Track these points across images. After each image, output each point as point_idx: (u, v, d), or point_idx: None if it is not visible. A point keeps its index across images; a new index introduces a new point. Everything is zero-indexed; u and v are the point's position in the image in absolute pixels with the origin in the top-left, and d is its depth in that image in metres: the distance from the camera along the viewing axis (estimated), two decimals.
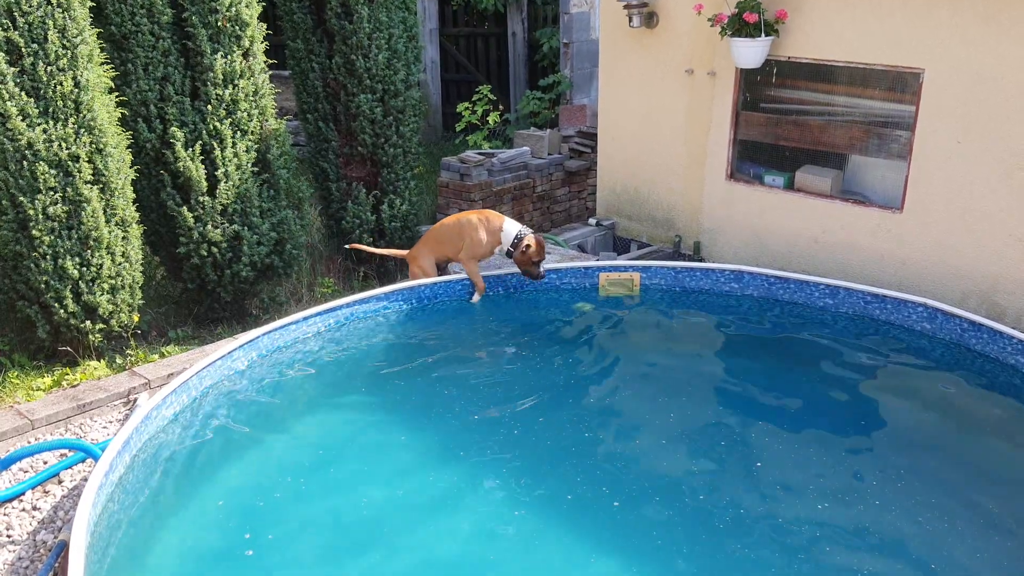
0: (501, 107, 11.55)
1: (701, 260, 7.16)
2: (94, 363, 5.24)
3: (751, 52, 6.15)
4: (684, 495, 3.86)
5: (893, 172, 6.08)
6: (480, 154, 8.62)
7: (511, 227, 5.77)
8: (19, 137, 4.75)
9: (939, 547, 3.53)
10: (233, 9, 5.55)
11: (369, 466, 4.13)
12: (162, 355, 5.47)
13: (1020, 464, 4.13)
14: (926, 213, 5.92)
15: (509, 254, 5.80)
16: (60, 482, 4.26)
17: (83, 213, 5.00)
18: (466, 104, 10.33)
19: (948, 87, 5.64)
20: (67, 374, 5.08)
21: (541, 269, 5.81)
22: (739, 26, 6.07)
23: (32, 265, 4.98)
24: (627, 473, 4.01)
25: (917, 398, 4.70)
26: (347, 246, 6.44)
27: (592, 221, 7.97)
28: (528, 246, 5.71)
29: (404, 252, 6.20)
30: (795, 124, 6.53)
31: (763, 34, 6.08)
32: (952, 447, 4.25)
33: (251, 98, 5.82)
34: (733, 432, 4.33)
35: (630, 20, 6.93)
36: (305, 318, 5.29)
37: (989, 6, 5.35)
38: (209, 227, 5.71)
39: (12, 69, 4.70)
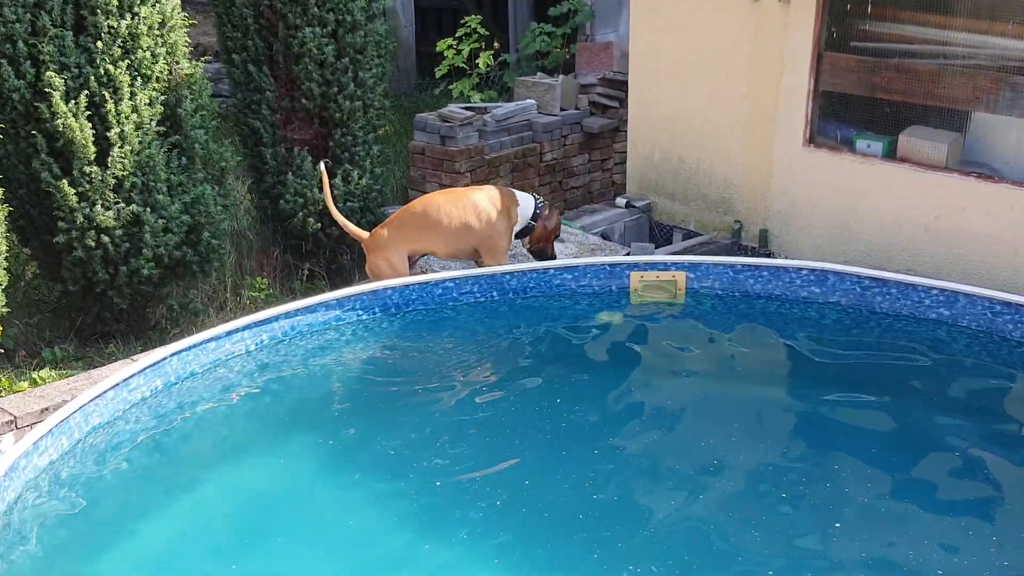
0: (497, 45, 11.54)
1: (769, 254, 7.15)
2: None
3: None
4: None
5: None
6: (468, 109, 8.59)
7: (526, 200, 6.21)
8: None
9: None
10: None
11: (312, 540, 4.08)
12: (34, 382, 5.41)
13: None
14: None
15: (523, 233, 6.20)
16: None
17: None
18: (449, 41, 10.30)
19: None
20: None
21: (556, 248, 6.28)
22: None
23: None
24: (664, 555, 3.96)
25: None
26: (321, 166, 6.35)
27: (620, 201, 7.94)
28: (548, 212, 6.19)
29: (363, 235, 6.13)
30: (898, 70, 6.49)
31: None
32: None
33: (156, 32, 5.77)
34: (819, 503, 4.28)
35: None
36: (229, 333, 5.27)
37: None
38: (98, 208, 5.66)
39: None
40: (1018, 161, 6.18)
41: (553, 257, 6.28)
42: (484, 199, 6.12)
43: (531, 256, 6.37)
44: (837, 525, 4.13)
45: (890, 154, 6.60)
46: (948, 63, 6.34)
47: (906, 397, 5.09)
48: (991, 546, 3.99)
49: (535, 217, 6.19)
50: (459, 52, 10.22)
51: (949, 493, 4.36)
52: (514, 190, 6.28)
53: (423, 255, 6.20)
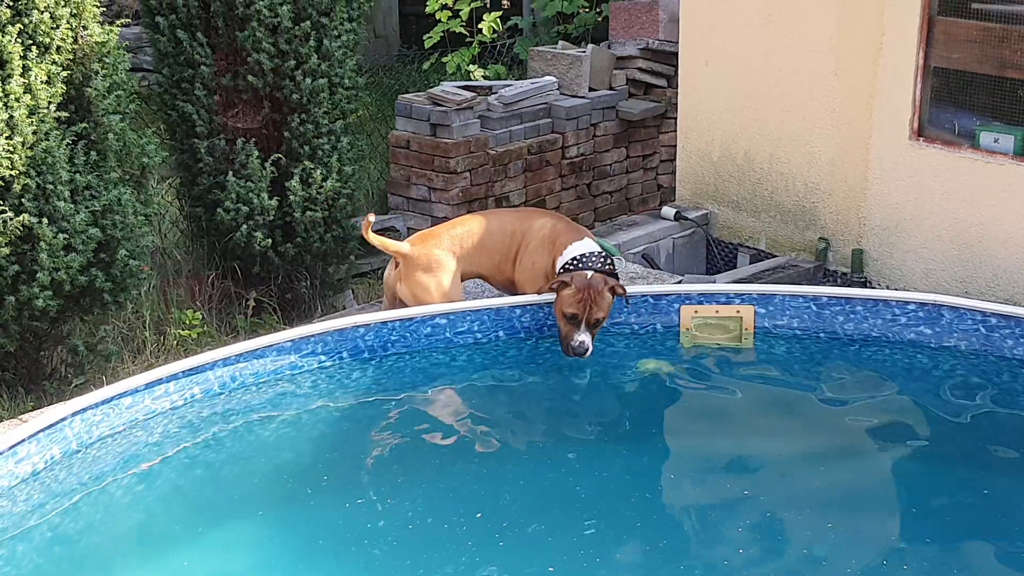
0: (507, 4, 11.58)
1: (865, 283, 7.17)
2: None
3: None
4: None
5: None
6: (467, 88, 8.62)
7: (577, 248, 5.83)
8: None
9: None
10: None
11: None
12: None
13: None
14: None
15: None
16: None
17: None
18: (442, 0, 10.33)
19: None
20: None
21: (578, 339, 5.57)
22: None
23: None
24: None
25: None
26: None
27: (668, 211, 7.95)
28: (563, 285, 5.63)
29: (403, 248, 5.99)
30: None
31: None
32: None
33: None
34: None
35: None
36: (149, 385, 5.24)
37: None
38: None
39: None
40: None
41: (574, 352, 5.60)
42: (540, 225, 6.02)
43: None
44: None
45: None
46: None
47: None
48: None
49: (564, 269, 5.77)
50: (456, 14, 10.26)
51: None
52: (581, 237, 5.91)
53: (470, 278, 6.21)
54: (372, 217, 5.94)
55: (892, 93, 6.90)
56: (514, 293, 6.13)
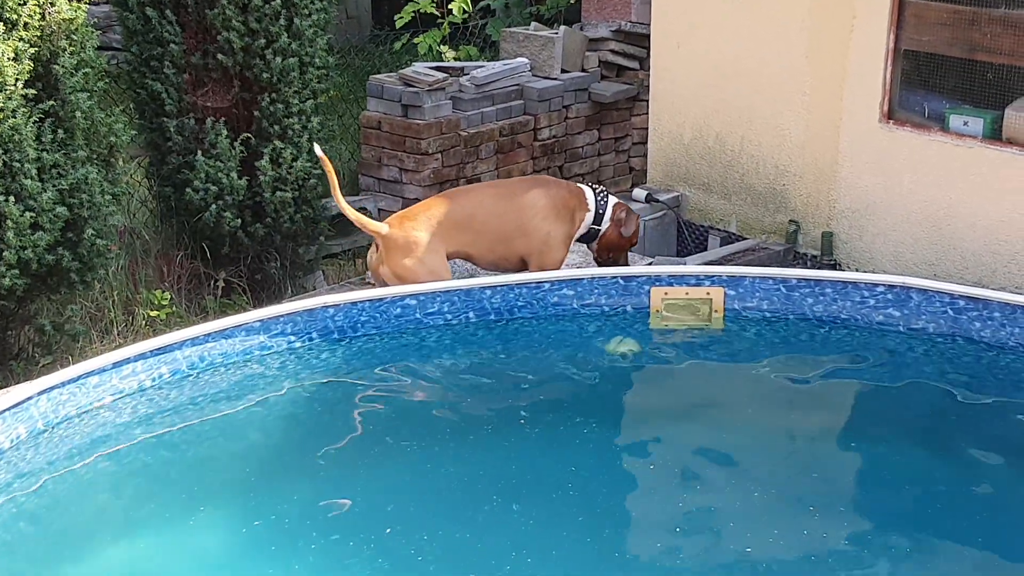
0: None
1: (835, 265, 7.19)
2: None
3: None
4: None
5: None
6: (439, 69, 8.60)
7: (591, 198, 6.44)
8: None
9: None
10: None
11: None
12: None
13: None
14: None
15: (586, 239, 6.48)
16: None
17: None
18: None
19: None
20: None
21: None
22: None
23: None
24: None
25: None
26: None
27: (640, 193, 7.96)
28: (625, 215, 6.43)
29: (382, 228, 6.09)
30: (1007, 23, 6.53)
31: None
32: None
33: None
34: None
35: None
36: (117, 365, 5.22)
37: None
38: None
39: None
40: None
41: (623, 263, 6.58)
42: (544, 198, 6.29)
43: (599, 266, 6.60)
44: None
45: (994, 134, 6.63)
46: None
47: (1006, 453, 5.11)
48: None
49: (598, 219, 6.38)
50: None
51: None
52: (581, 186, 6.49)
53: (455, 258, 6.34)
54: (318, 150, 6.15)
55: (862, 76, 6.91)
56: (513, 270, 6.29)
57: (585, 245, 6.62)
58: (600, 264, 6.58)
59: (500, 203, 6.33)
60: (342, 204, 6.10)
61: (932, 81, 6.83)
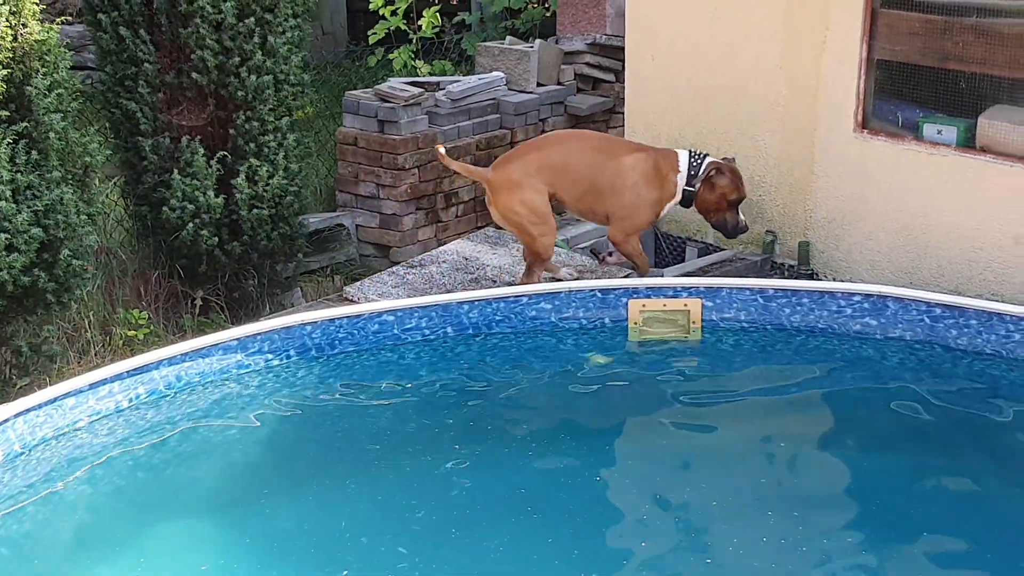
0: (454, 0, 11.56)
1: (812, 275, 7.18)
2: None
3: None
4: None
5: None
6: (415, 84, 8.60)
7: (684, 162, 6.57)
8: None
9: None
10: None
11: None
12: None
13: None
14: None
15: (686, 203, 6.61)
16: None
17: None
18: None
19: None
20: None
21: (742, 220, 6.63)
22: None
23: None
24: None
25: None
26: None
27: None
28: (719, 172, 6.50)
29: (485, 173, 6.64)
30: (978, 32, 6.53)
31: None
32: None
33: None
34: None
35: None
36: (94, 386, 5.21)
37: None
38: None
39: None
40: None
41: (739, 229, 6.70)
42: (641, 163, 6.52)
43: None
44: None
45: (967, 142, 6.62)
46: None
47: (1004, 467, 5.14)
48: None
49: (690, 181, 6.49)
50: (396, 10, 10.23)
51: None
52: (677, 150, 6.65)
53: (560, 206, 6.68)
54: (442, 148, 6.60)
55: (836, 86, 6.92)
56: (599, 223, 6.74)
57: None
58: (715, 228, 6.81)
59: (597, 158, 6.57)
60: (450, 163, 6.56)
61: (905, 90, 6.84)
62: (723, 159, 6.61)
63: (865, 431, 5.45)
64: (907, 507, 4.85)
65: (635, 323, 6.01)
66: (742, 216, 6.67)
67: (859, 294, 5.93)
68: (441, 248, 7.17)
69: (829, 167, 7.05)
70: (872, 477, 5.11)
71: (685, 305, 6.01)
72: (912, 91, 6.83)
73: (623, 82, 8.56)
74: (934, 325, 5.82)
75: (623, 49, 8.19)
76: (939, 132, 6.68)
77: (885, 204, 6.84)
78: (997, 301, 5.88)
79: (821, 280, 6.95)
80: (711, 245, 7.60)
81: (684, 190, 6.51)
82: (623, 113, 8.39)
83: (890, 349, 5.84)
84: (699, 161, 6.51)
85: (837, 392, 5.69)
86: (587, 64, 9.36)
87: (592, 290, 6.06)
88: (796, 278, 7.00)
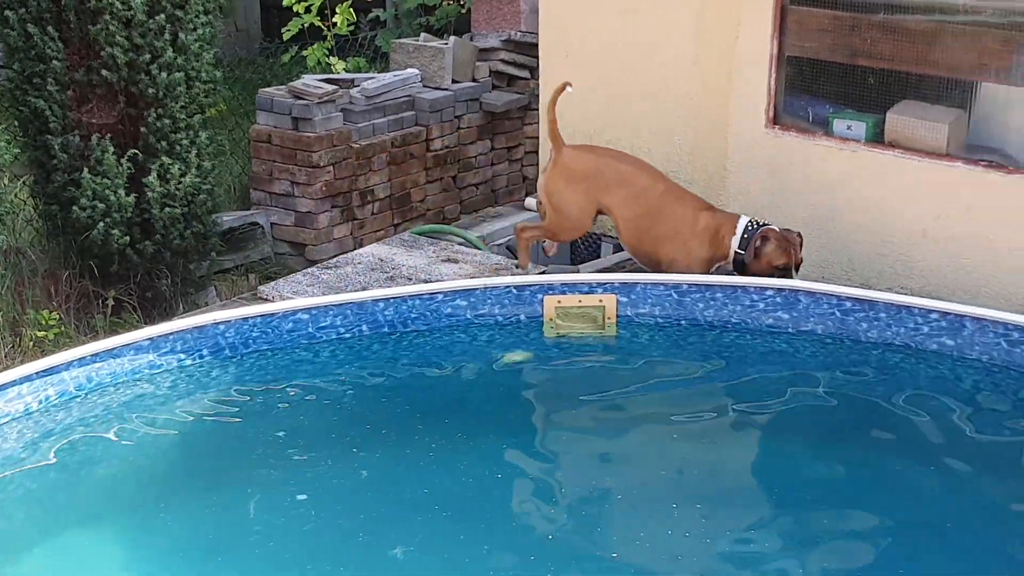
0: None
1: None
2: None
3: None
4: None
5: None
6: (329, 82, 8.57)
7: (741, 227, 6.38)
8: None
9: None
10: None
11: None
12: None
13: None
14: None
15: (738, 265, 6.39)
16: None
17: None
18: None
19: None
20: None
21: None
22: None
23: None
24: None
25: None
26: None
27: (531, 202, 7.96)
28: (764, 240, 6.24)
29: (560, 142, 6.62)
30: (883, 29, 6.62)
31: None
32: None
33: None
34: None
35: None
36: (1, 387, 5.11)
37: None
38: None
39: None
40: None
41: None
42: (705, 219, 6.46)
43: None
44: None
45: (876, 137, 6.72)
46: (947, 19, 6.47)
47: (911, 456, 5.19)
48: None
49: (743, 245, 6.32)
50: (310, 8, 10.19)
51: None
52: (740, 215, 6.48)
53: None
54: (569, 88, 6.66)
55: (748, 82, 6.98)
56: (649, 266, 6.54)
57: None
58: None
59: (668, 198, 6.52)
60: (553, 109, 6.65)
61: (816, 87, 6.92)
62: (783, 230, 6.38)
63: (776, 423, 5.49)
64: (816, 496, 4.92)
65: (550, 319, 6.02)
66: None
67: (771, 288, 5.99)
68: (356, 251, 7.15)
69: (742, 162, 7.11)
70: (783, 470, 5.15)
71: (600, 301, 6.03)
72: (822, 87, 6.92)
73: (538, 79, 8.57)
74: (844, 319, 5.89)
75: (537, 46, 8.21)
76: (849, 127, 6.77)
77: (796, 199, 6.90)
78: (906, 294, 5.94)
79: (734, 275, 7.00)
80: None
81: (736, 252, 6.36)
82: (538, 110, 8.40)
83: (802, 342, 5.91)
84: (755, 228, 6.36)
85: (750, 385, 5.71)
86: (502, 61, 9.37)
87: (508, 287, 6.07)
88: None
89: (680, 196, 6.61)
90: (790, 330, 5.95)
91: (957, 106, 6.55)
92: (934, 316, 5.75)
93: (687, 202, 6.58)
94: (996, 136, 6.50)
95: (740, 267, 6.36)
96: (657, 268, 6.49)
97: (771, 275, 6.15)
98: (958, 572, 4.47)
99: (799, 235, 6.35)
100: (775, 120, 6.97)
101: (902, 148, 6.62)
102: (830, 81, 6.86)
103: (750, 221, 6.36)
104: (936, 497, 4.95)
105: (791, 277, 6.17)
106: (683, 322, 6.04)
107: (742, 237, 6.30)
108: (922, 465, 5.13)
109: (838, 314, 5.90)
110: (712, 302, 6.04)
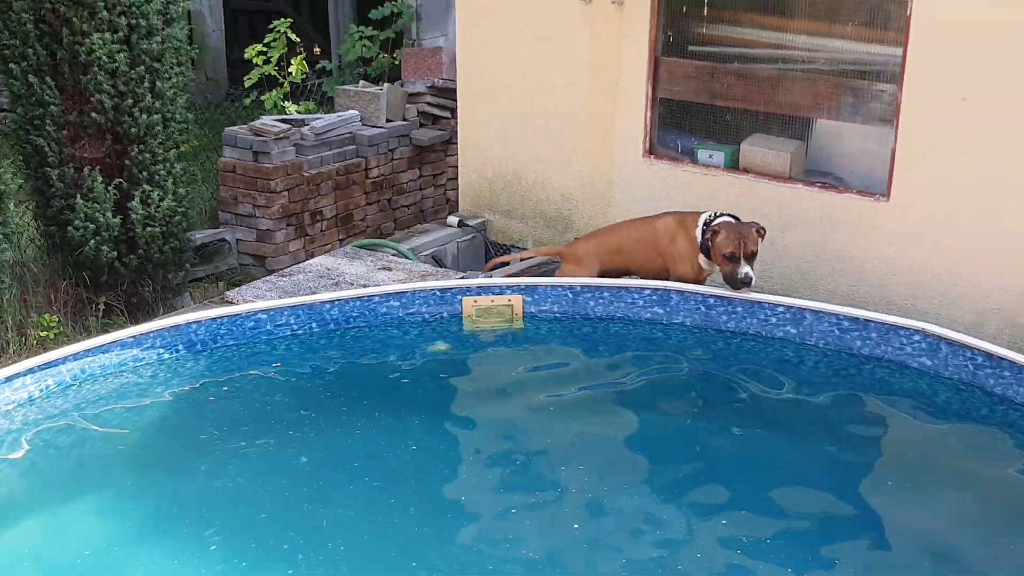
0: (318, 50, 11.44)
1: None
2: None
3: None
4: None
5: (876, 144, 6.30)
6: (283, 121, 8.49)
7: (703, 216, 6.06)
8: None
9: None
10: None
11: None
12: None
13: None
14: (924, 202, 6.13)
15: (705, 252, 6.04)
16: None
17: None
18: (258, 47, 10.15)
19: (946, 17, 5.86)
20: None
21: (741, 271, 5.76)
22: None
23: None
24: None
25: (923, 478, 4.84)
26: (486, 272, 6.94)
27: (453, 220, 7.93)
28: (715, 232, 5.86)
29: (558, 249, 6.76)
30: (738, 76, 6.69)
31: None
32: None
33: None
34: (663, 540, 4.38)
35: None
36: (8, 378, 5.04)
37: None
38: None
39: None
40: (861, 169, 6.44)
41: (738, 281, 5.79)
42: (667, 226, 6.23)
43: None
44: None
45: (733, 164, 6.80)
46: (788, 68, 6.57)
47: (758, 421, 5.25)
48: None
49: (702, 235, 5.99)
50: (269, 60, 10.10)
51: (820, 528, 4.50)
52: (702, 212, 6.10)
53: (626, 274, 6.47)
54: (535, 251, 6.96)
55: (628, 120, 7.02)
56: (664, 277, 6.22)
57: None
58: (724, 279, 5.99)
59: (637, 233, 6.34)
60: (532, 253, 6.90)
61: (683, 123, 6.99)
62: (747, 223, 5.91)
63: (650, 396, 5.52)
64: (680, 455, 5.00)
65: (468, 316, 6.01)
66: (745, 270, 5.76)
67: (648, 288, 6.01)
68: (307, 262, 7.07)
69: (624, 186, 7.15)
70: (655, 433, 5.23)
71: (509, 300, 6.03)
72: (688, 123, 6.99)
73: (457, 118, 8.57)
74: (708, 312, 5.93)
75: (456, 91, 8.20)
76: (710, 156, 6.84)
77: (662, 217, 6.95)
78: (759, 292, 5.98)
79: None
80: None
81: (700, 242, 6.00)
82: (457, 143, 8.39)
83: (674, 332, 5.94)
84: (712, 219, 5.97)
85: (630, 366, 5.74)
86: (427, 103, 9.34)
87: (432, 289, 6.05)
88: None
89: (644, 225, 6.39)
90: (664, 322, 5.97)
91: (798, 138, 6.65)
92: (780, 309, 5.81)
93: (647, 219, 6.39)
94: (829, 162, 6.60)
95: (707, 253, 6.00)
96: (680, 280, 6.17)
97: (725, 262, 5.79)
98: (796, 505, 4.58)
99: (759, 229, 5.88)
100: (650, 151, 7.02)
101: (754, 173, 6.70)
102: (694, 118, 6.93)
103: (711, 214, 6.01)
104: (777, 449, 5.04)
105: (739, 264, 5.74)
106: (577, 316, 6.04)
107: (702, 229, 5.98)
108: (769, 429, 5.19)
109: (703, 309, 5.93)
110: (600, 300, 6.05)
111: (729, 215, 5.99)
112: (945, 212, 6.10)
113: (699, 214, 6.10)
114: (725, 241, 5.79)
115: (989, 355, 5.29)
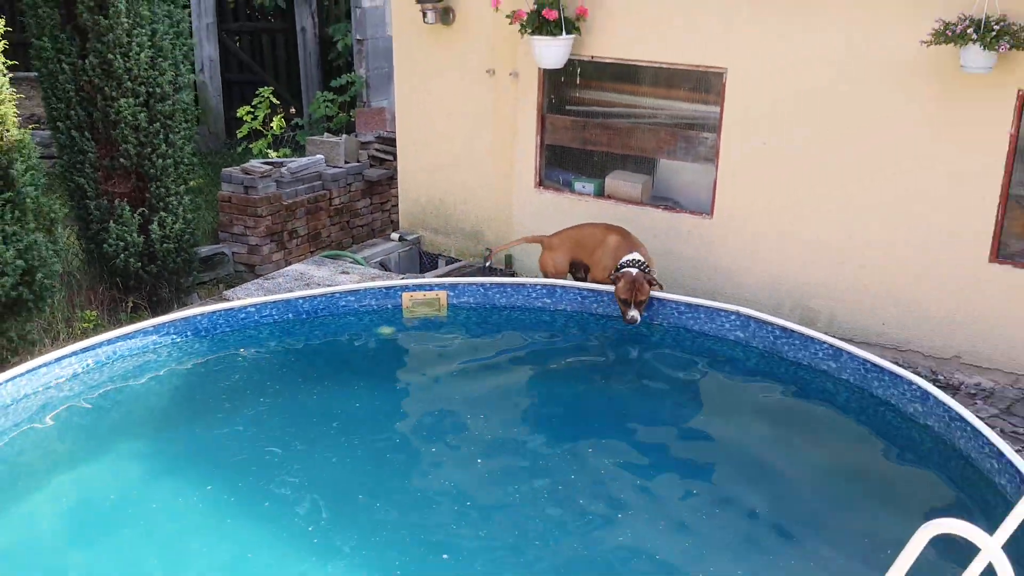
0: (293, 110, 11.39)
1: (513, 274, 7.28)
2: None
3: (552, 51, 6.37)
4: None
5: (702, 176, 6.44)
6: (267, 163, 8.46)
7: (628, 257, 5.70)
8: None
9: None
10: None
11: (140, 540, 3.92)
12: None
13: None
14: (735, 219, 6.30)
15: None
16: None
17: None
18: (247, 108, 10.10)
19: (751, 86, 6.05)
20: None
21: (629, 314, 5.49)
22: (539, 23, 6.26)
23: None
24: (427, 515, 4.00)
25: (732, 411, 5.00)
26: (486, 261, 6.72)
27: (395, 236, 7.96)
28: (617, 279, 5.55)
29: (540, 237, 6.47)
30: (603, 127, 6.78)
31: (564, 32, 6.31)
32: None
33: None
34: (531, 453, 4.45)
35: (424, 16, 7.01)
36: (59, 359, 4.99)
37: (789, 3, 5.80)
38: None
39: None
40: (694, 195, 6.58)
41: (625, 320, 5.53)
42: (615, 239, 6.01)
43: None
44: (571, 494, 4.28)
45: (600, 192, 6.89)
46: (639, 121, 6.67)
47: (614, 376, 5.39)
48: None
49: (617, 270, 5.64)
50: (255, 117, 10.06)
51: (651, 444, 4.62)
52: (639, 244, 5.90)
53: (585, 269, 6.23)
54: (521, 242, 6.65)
55: (523, 162, 7.10)
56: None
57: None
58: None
59: (592, 238, 6.14)
60: (522, 239, 6.60)
61: (563, 162, 7.05)
62: (647, 276, 5.54)
63: (541, 363, 5.58)
64: (565, 411, 5.06)
65: (407, 307, 6.01)
66: (632, 314, 5.49)
67: (538, 284, 6.06)
68: (286, 268, 7.06)
69: (521, 209, 7.21)
70: (546, 391, 5.28)
71: (437, 295, 6.06)
72: (567, 163, 7.05)
73: (397, 161, 8.59)
74: (583, 301, 5.99)
75: (396, 140, 8.22)
76: (583, 187, 6.92)
77: (554, 230, 7.01)
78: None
79: (518, 277, 7.10)
80: (453, 258, 7.66)
81: (611, 275, 5.69)
82: (398, 179, 8.42)
83: (559, 316, 5.99)
84: (630, 264, 5.64)
85: (530, 343, 5.79)
86: (375, 150, 9.35)
87: (380, 288, 6.05)
88: (503, 276, 7.12)
89: (603, 231, 6.15)
90: (552, 309, 6.03)
91: (647, 173, 6.75)
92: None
93: (605, 228, 6.17)
94: (669, 190, 6.72)
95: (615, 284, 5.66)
96: (594, 280, 6.04)
97: (620, 302, 5.55)
98: (646, 436, 4.70)
99: (654, 285, 5.58)
100: (540, 183, 7.09)
101: (616, 199, 6.80)
102: (571, 159, 7.00)
103: (632, 258, 5.69)
104: (630, 396, 5.16)
105: (628, 307, 5.49)
106: (487, 306, 6.07)
107: (616, 268, 5.70)
108: (625, 384, 5.32)
109: (579, 298, 5.99)
110: (504, 293, 6.06)
111: (639, 264, 5.63)
112: (753, 225, 6.26)
113: (634, 245, 5.86)
114: (623, 288, 5.55)
115: (784, 328, 5.47)
